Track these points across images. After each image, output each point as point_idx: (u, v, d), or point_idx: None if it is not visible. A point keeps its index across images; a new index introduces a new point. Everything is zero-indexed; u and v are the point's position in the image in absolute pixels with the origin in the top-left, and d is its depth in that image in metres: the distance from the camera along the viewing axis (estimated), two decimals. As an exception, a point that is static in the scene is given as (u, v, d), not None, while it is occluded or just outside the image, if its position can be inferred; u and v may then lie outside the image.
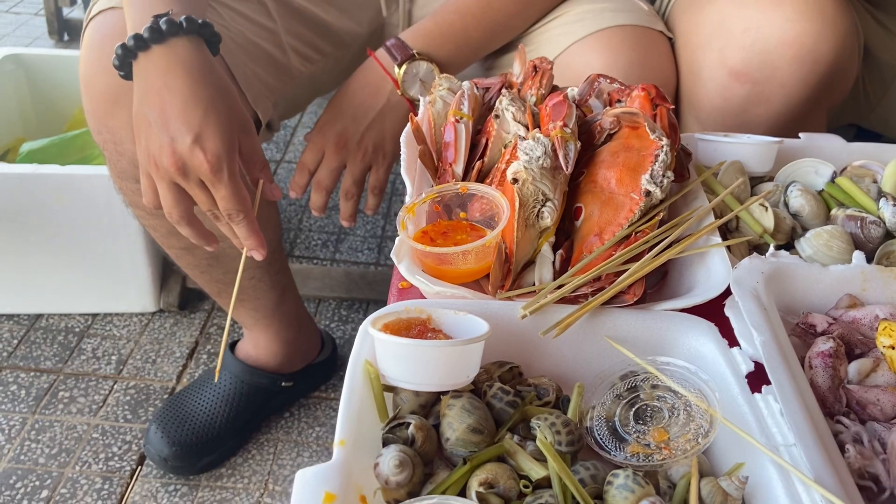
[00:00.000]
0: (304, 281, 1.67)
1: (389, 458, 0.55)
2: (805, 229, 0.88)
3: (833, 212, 0.90)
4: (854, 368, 0.67)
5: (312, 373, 1.44)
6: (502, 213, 0.77)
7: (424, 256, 0.78)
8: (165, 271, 1.63)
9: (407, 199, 0.83)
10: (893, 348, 0.64)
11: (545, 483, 0.56)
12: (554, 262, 0.79)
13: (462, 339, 0.62)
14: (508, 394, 0.63)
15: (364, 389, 0.62)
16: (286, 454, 1.37)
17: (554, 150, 0.81)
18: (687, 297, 0.74)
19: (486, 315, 0.68)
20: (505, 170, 0.83)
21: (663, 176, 0.81)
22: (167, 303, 1.62)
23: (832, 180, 0.94)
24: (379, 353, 0.62)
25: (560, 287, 0.73)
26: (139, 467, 1.33)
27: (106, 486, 1.29)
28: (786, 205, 0.92)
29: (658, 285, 0.83)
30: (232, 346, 1.38)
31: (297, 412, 1.44)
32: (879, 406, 0.64)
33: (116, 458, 1.34)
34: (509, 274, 0.78)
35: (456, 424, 0.60)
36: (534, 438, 0.60)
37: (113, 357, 1.53)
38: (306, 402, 1.46)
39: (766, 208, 0.86)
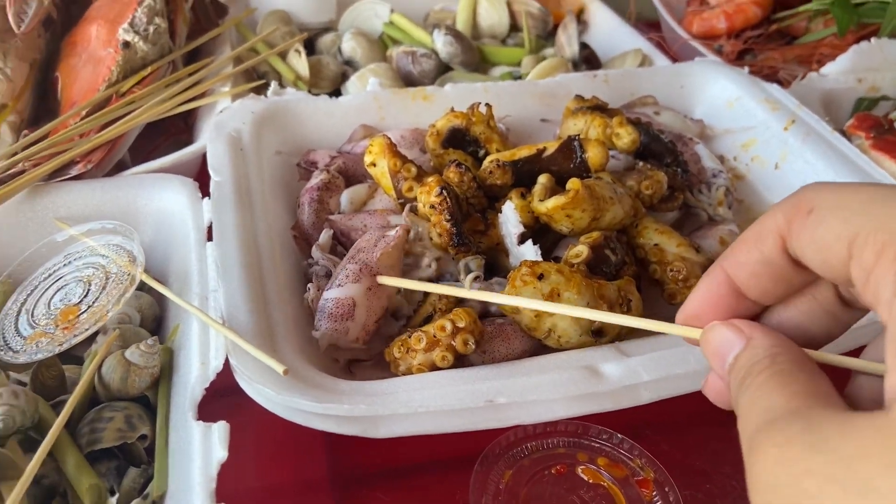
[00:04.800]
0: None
1: None
2: (359, 74, 0.79)
3: (388, 51, 0.82)
4: (346, 198, 0.58)
5: None
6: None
7: None
8: None
9: None
10: (374, 165, 0.56)
11: None
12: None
13: None
14: None
15: None
16: None
17: (2, 6, 0.64)
18: (166, 157, 0.61)
19: None
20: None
21: (149, 23, 0.67)
22: None
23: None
24: None
25: (-6, 168, 0.57)
26: None
27: None
28: (339, 52, 0.82)
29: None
30: None
31: None
32: (364, 231, 0.55)
33: None
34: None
35: None
36: None
37: None
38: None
39: (300, 53, 0.76)
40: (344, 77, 0.79)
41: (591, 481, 0.46)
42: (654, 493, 0.44)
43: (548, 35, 0.91)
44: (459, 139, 0.60)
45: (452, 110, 0.60)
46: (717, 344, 0.27)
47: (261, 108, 0.62)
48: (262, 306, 0.46)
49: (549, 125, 0.69)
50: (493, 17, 0.89)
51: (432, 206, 0.50)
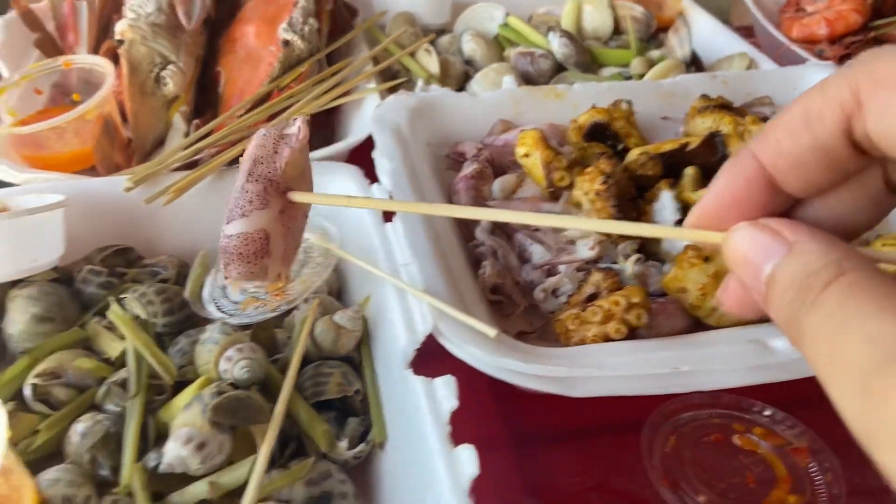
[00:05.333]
0: None
1: None
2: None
3: (506, 52, 0.87)
4: (498, 186, 0.63)
5: None
6: (106, 82, 0.65)
7: (22, 146, 0.64)
8: None
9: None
10: (528, 156, 0.61)
11: (120, 363, 0.47)
12: (188, 134, 0.69)
13: (12, 212, 0.50)
14: (100, 275, 0.53)
15: None
16: None
17: (171, 6, 0.70)
18: (333, 146, 0.67)
19: (84, 194, 0.57)
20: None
21: (304, 23, 0.73)
22: None
23: (506, 23, 0.90)
24: (-90, 250, 0.49)
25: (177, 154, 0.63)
26: None
27: None
28: (460, 52, 0.87)
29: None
30: None
31: None
32: (520, 217, 0.60)
33: None
34: (132, 153, 0.67)
35: (18, 316, 0.48)
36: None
37: None
38: None
39: (430, 52, 0.81)
40: (466, 76, 0.84)
41: (747, 448, 0.50)
42: (811, 460, 0.49)
43: (649, 38, 0.95)
44: (600, 133, 0.65)
45: (594, 107, 0.65)
46: (746, 250, 0.22)
47: (413, 102, 0.68)
48: (451, 279, 0.51)
49: (670, 123, 0.73)
50: (596, 19, 0.93)
51: (597, 194, 0.54)
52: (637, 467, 0.47)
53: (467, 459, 0.38)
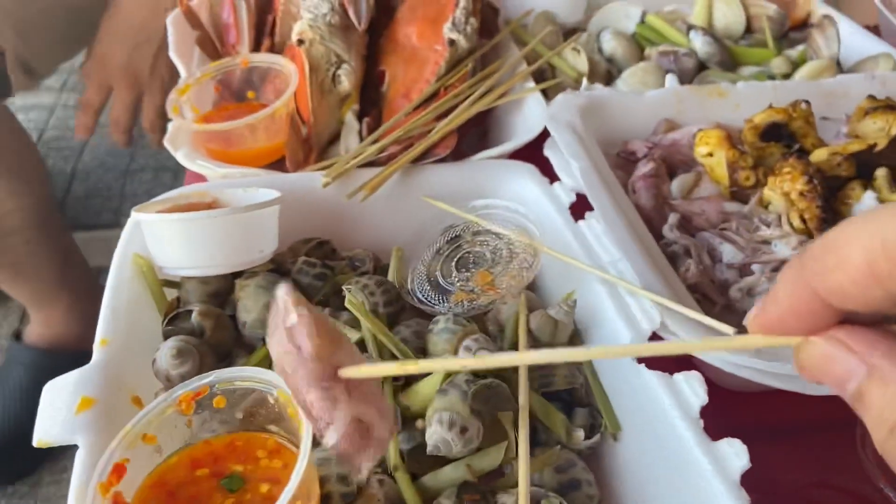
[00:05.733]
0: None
1: (167, 350, 0.46)
2: (621, 73, 0.85)
3: (646, 51, 0.88)
4: (677, 185, 0.64)
5: None
6: (291, 82, 0.67)
7: (208, 141, 0.67)
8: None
9: (180, 82, 0.71)
10: (711, 155, 0.62)
11: (361, 348, 0.49)
12: (360, 132, 0.71)
13: (244, 206, 0.52)
14: (315, 266, 0.55)
15: (135, 286, 0.51)
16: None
17: (342, 6, 0.72)
18: (504, 144, 0.68)
19: (283, 189, 0.60)
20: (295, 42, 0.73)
21: (466, 22, 0.74)
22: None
23: (642, 21, 0.91)
24: (150, 240, 0.52)
25: (367, 151, 0.65)
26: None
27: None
28: (600, 51, 0.88)
29: (479, 146, 0.78)
30: (17, 336, 1.18)
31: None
32: (705, 216, 0.61)
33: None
34: (311, 150, 0.69)
35: (251, 305, 0.51)
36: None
37: None
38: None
39: (579, 52, 0.82)
40: (609, 75, 0.85)
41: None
42: None
43: (781, 37, 0.95)
44: (776, 133, 0.65)
45: (771, 106, 0.65)
46: (826, 369, 0.22)
47: (581, 101, 0.69)
48: (661, 275, 0.52)
49: (830, 123, 0.74)
50: (728, 17, 0.93)
51: (801, 194, 0.55)
52: (854, 463, 0.48)
53: (735, 452, 0.39)
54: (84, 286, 1.17)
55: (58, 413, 0.41)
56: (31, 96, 1.92)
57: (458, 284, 0.55)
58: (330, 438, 0.32)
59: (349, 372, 0.32)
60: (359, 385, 0.32)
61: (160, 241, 0.51)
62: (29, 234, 1.03)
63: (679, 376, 0.44)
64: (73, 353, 1.17)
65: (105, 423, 0.41)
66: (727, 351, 0.45)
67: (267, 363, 0.48)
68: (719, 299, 0.56)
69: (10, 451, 1.10)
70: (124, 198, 1.69)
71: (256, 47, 0.79)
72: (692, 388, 0.43)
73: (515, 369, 0.47)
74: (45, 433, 0.40)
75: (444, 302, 0.54)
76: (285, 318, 0.32)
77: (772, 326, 0.23)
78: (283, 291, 0.33)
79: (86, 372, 0.43)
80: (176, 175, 1.68)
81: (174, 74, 1.01)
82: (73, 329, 1.15)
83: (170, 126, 0.65)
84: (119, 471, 0.37)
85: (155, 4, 0.99)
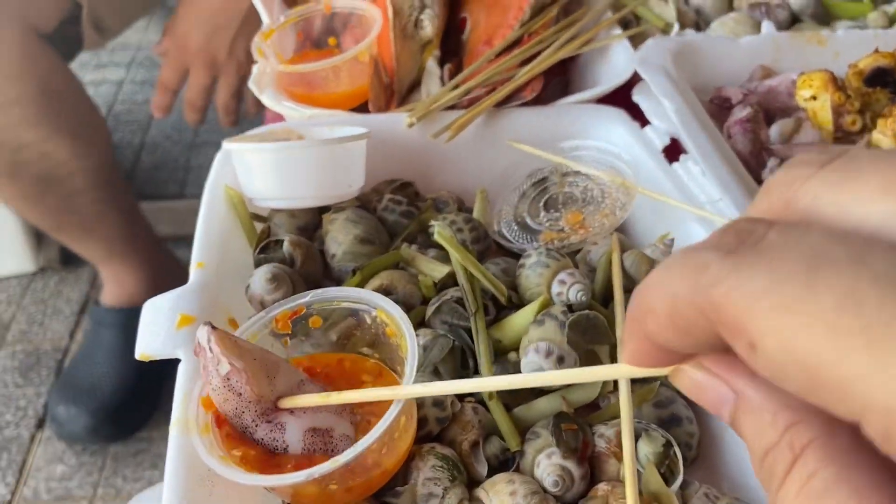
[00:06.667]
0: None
1: (262, 275, 0.46)
2: (709, 24, 0.82)
3: (736, 2, 0.84)
4: (776, 130, 0.61)
5: None
6: (374, 25, 0.67)
7: (291, 84, 0.67)
8: (40, 226, 1.46)
9: (264, 27, 0.71)
10: (815, 98, 0.59)
11: (450, 283, 0.48)
12: (442, 77, 0.70)
13: (335, 138, 0.52)
14: (401, 204, 0.55)
15: (227, 216, 0.52)
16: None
17: (427, -47, 0.71)
18: (590, 90, 0.66)
19: (370, 128, 0.59)
20: (377, -11, 0.72)
21: (552, -33, 0.72)
22: (48, 259, 1.43)
23: (731, -28, 0.87)
24: (240, 172, 0.52)
25: (451, 93, 0.64)
26: (38, 431, 1.19)
27: (4, 457, 1.16)
28: (686, 2, 0.85)
29: (561, 95, 0.76)
30: (96, 302, 1.22)
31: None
32: (805, 162, 0.58)
33: (12, 426, 1.20)
34: (393, 95, 0.68)
35: (341, 237, 0.51)
36: (435, 245, 0.52)
37: (-8, 324, 1.37)
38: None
39: (667, 1, 0.79)
40: (697, 26, 0.82)
41: None
42: None
43: (880, -11, 0.89)
44: (880, 78, 0.62)
45: (877, 50, 0.62)
46: (697, 394, 0.21)
47: (673, 46, 0.66)
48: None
49: (939, 73, 0.69)
50: (823, -29, 0.88)
51: (917, 135, 0.52)
52: None
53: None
54: (151, 246, 1.21)
55: (159, 329, 0.41)
56: (100, 71, 1.97)
57: (548, 224, 0.54)
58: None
59: (287, 403, 0.35)
60: (310, 416, 0.35)
61: (250, 171, 0.51)
62: (95, 194, 1.06)
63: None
64: None
65: (203, 341, 0.41)
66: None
67: (357, 293, 0.48)
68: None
69: (127, 406, 1.15)
70: (189, 170, 1.73)
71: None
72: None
73: (611, 303, 0.46)
74: (147, 346, 0.41)
75: (532, 241, 0.53)
76: (217, 366, 0.34)
77: (637, 361, 0.21)
78: (205, 336, 0.34)
79: (184, 291, 0.44)
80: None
81: (250, 58, 1.02)
82: (145, 285, 1.19)
83: (254, 69, 0.65)
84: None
85: None
